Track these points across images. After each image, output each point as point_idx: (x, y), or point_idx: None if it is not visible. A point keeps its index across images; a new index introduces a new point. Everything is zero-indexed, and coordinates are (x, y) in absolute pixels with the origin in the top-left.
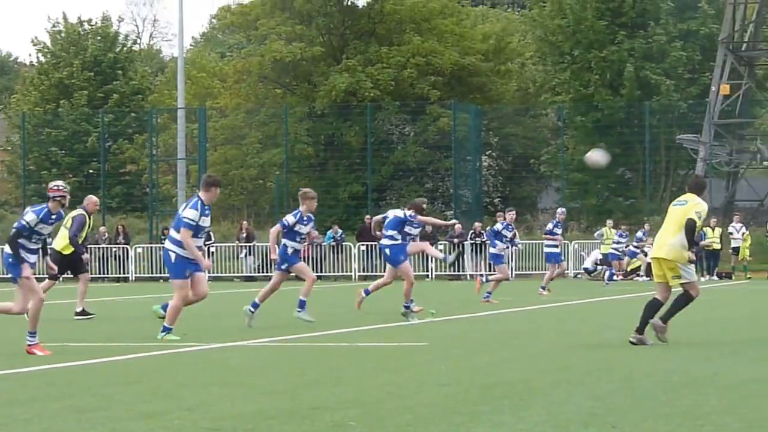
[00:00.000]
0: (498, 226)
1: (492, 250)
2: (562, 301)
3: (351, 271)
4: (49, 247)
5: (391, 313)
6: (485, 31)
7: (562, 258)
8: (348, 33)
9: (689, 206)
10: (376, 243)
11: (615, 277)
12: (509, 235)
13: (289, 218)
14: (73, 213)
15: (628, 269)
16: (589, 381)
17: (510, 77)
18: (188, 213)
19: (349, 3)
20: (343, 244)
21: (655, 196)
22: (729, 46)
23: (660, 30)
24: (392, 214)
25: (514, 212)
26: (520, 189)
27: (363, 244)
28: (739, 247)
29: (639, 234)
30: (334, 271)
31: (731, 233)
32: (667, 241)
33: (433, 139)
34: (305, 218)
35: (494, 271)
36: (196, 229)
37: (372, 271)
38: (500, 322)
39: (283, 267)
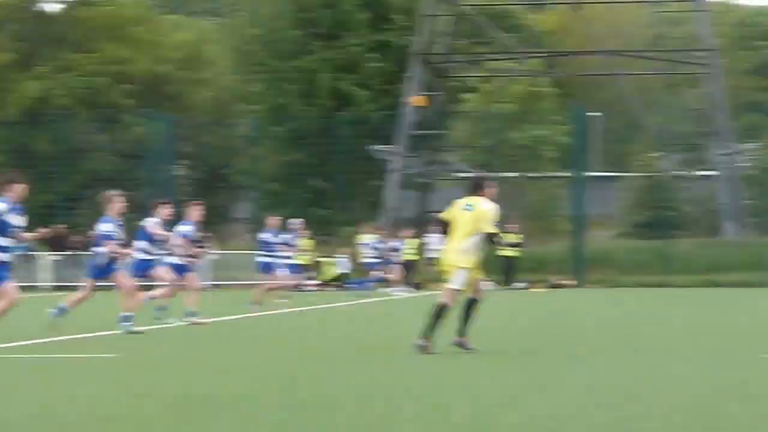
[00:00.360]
0: (264, 236)
1: (264, 259)
2: (257, 311)
3: (41, 281)
4: None
5: (85, 324)
6: (179, 40)
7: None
8: (40, 39)
9: (478, 213)
10: (70, 253)
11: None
12: (276, 240)
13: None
14: None
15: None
16: (283, 393)
17: (205, 86)
18: None
19: (41, 9)
20: (33, 253)
21: (349, 207)
22: (423, 58)
23: (354, 40)
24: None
25: (277, 219)
26: (215, 198)
27: (57, 255)
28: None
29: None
30: (23, 281)
31: (427, 244)
32: (453, 247)
33: (128, 148)
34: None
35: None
36: (1, 225)
37: (66, 281)
38: (191, 335)
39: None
